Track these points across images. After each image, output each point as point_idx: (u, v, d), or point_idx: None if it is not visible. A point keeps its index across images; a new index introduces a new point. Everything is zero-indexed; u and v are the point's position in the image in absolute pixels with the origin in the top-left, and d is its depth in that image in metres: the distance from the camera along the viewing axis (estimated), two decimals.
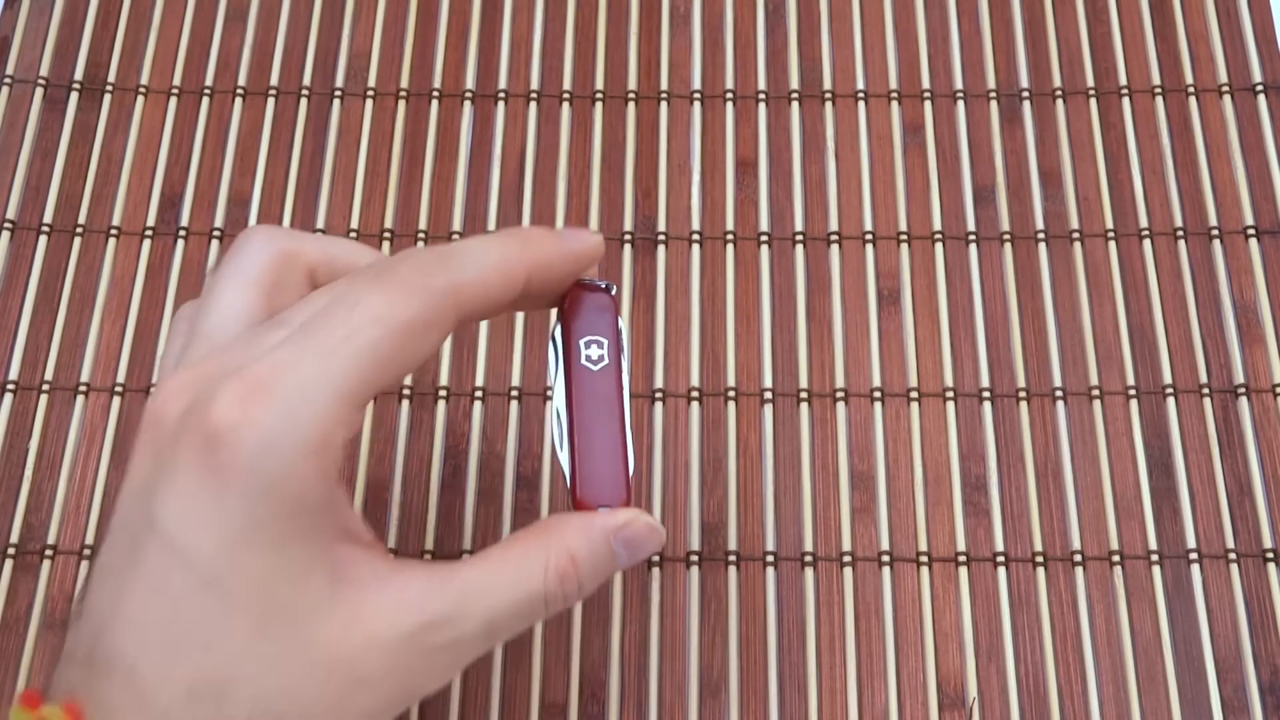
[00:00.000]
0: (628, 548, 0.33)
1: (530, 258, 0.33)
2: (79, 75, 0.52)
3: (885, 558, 0.44)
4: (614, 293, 0.36)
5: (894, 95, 0.52)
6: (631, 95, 0.52)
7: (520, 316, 0.48)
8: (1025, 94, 0.52)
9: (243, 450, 0.28)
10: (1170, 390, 0.47)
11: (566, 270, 0.34)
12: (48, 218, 0.49)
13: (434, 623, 0.30)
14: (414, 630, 0.30)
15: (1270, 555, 0.44)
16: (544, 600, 0.32)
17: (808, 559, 0.44)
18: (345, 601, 0.30)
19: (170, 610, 0.29)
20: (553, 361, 0.36)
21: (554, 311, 0.36)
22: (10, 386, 0.47)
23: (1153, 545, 0.44)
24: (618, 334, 0.36)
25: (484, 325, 0.48)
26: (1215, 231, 0.49)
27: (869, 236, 0.49)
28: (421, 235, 0.49)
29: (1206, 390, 0.47)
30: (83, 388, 0.47)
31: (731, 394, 0.47)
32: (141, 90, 0.52)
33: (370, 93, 0.52)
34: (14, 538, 0.44)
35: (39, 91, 0.52)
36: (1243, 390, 0.46)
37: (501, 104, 0.52)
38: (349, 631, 0.30)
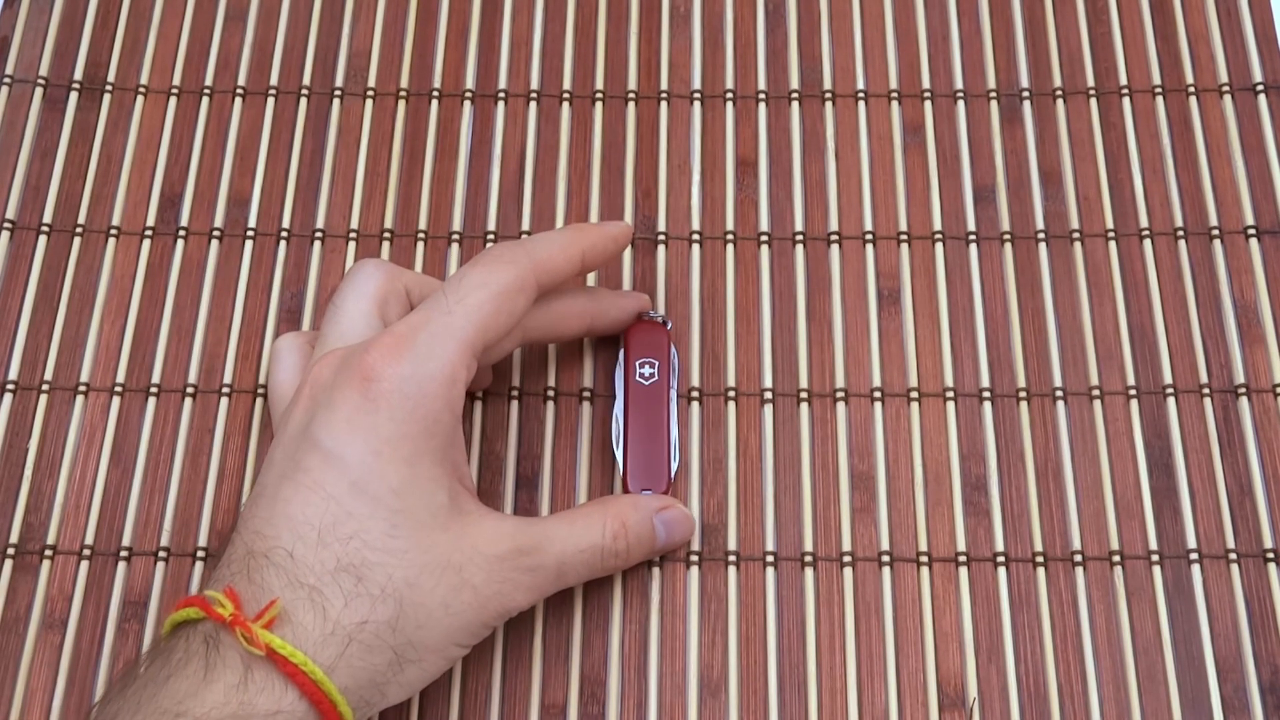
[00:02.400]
0: (666, 526, 0.43)
1: (584, 239, 0.42)
2: (79, 75, 0.52)
3: (885, 558, 0.44)
4: (668, 326, 0.46)
5: (894, 95, 0.52)
6: (631, 95, 0.52)
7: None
8: (1025, 94, 0.52)
9: (390, 381, 0.37)
10: (1170, 390, 0.47)
11: (609, 249, 0.43)
12: (47, 218, 0.49)
13: (523, 549, 0.39)
14: (507, 553, 0.38)
15: (1271, 555, 0.44)
16: (600, 552, 0.41)
17: (808, 559, 0.44)
18: (458, 520, 0.38)
19: (323, 506, 0.36)
20: (616, 378, 0.45)
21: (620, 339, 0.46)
22: (10, 386, 0.47)
23: (1153, 545, 0.44)
24: (669, 357, 0.46)
25: None
26: (1215, 231, 0.49)
27: (869, 236, 0.49)
28: (421, 235, 0.49)
29: (1207, 390, 0.47)
30: (82, 388, 0.47)
31: (731, 394, 0.47)
32: (141, 90, 0.52)
33: (370, 92, 0.52)
34: (14, 538, 0.44)
35: (39, 91, 0.52)
36: (1243, 390, 0.46)
37: (501, 104, 0.52)
38: (460, 544, 0.38)
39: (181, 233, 0.49)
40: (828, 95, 0.52)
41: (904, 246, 0.49)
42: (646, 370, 0.45)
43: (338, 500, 0.37)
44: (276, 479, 0.38)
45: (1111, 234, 0.49)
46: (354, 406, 0.37)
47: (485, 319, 0.39)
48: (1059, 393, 0.47)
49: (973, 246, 0.49)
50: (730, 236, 0.49)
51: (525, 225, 0.49)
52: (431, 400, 0.37)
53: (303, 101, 0.52)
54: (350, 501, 0.37)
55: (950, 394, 0.47)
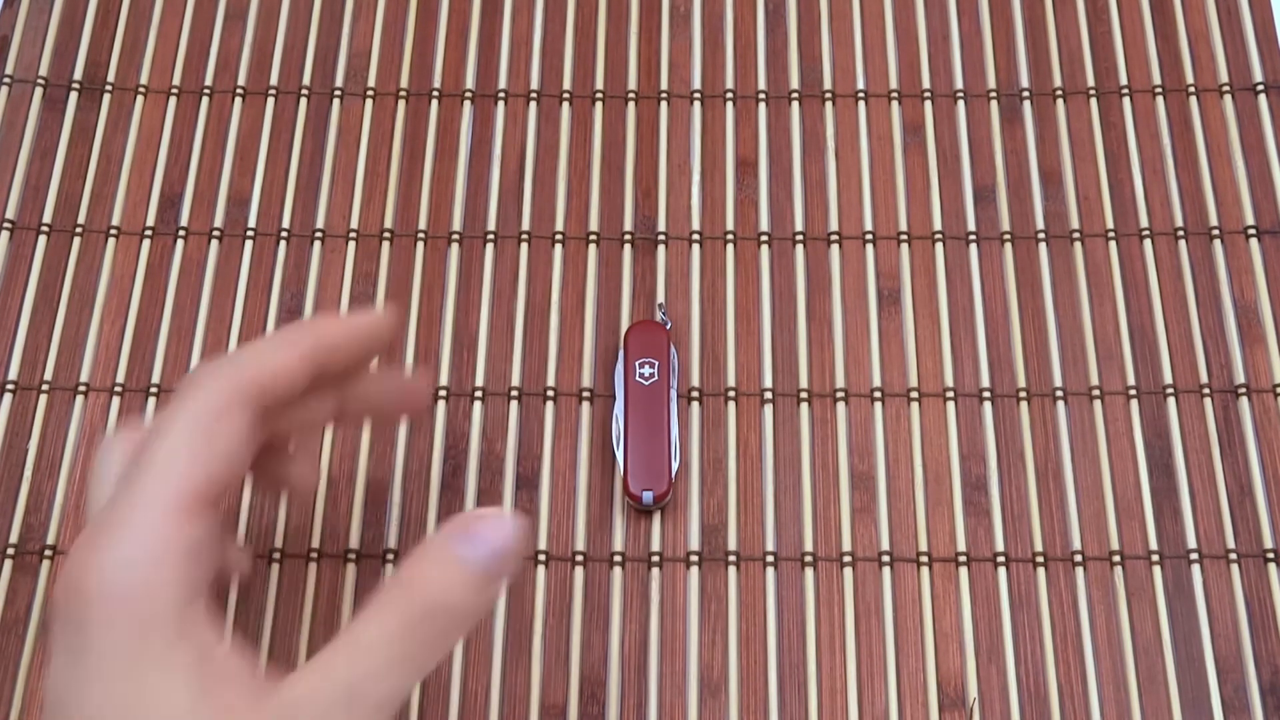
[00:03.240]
0: (470, 544, 0.33)
1: (313, 339, 0.35)
2: (78, 75, 0.52)
3: (885, 558, 0.44)
4: (668, 327, 0.46)
5: (894, 95, 0.52)
6: (631, 95, 0.52)
7: (520, 319, 0.48)
8: (1025, 94, 0.52)
9: (90, 588, 0.30)
10: (1171, 390, 0.47)
11: (356, 346, 0.37)
12: (47, 217, 0.49)
13: (293, 710, 0.31)
14: None
15: (1271, 555, 0.44)
16: (401, 640, 0.32)
17: (808, 559, 0.44)
18: (217, 710, 0.30)
19: None
20: (616, 377, 0.46)
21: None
22: (10, 386, 0.47)
23: (1153, 545, 0.44)
24: (669, 357, 0.46)
25: (483, 325, 0.48)
26: (1216, 231, 0.49)
27: (869, 236, 0.49)
28: (421, 235, 0.49)
29: (1207, 390, 0.47)
30: (82, 388, 0.47)
31: (731, 394, 0.47)
32: (141, 90, 0.52)
33: (370, 92, 0.52)
34: (14, 538, 0.44)
35: (38, 91, 0.52)
36: (1243, 390, 0.46)
37: (501, 104, 0.52)
38: None
39: (181, 233, 0.49)
40: (828, 95, 0.52)
41: (904, 246, 0.49)
42: (646, 370, 0.46)
43: None
44: None
45: (1111, 234, 0.49)
46: (69, 651, 0.30)
47: (184, 468, 0.32)
48: (1059, 393, 0.47)
49: (973, 246, 0.49)
50: (730, 236, 0.49)
51: (525, 225, 0.49)
52: (143, 588, 0.30)
53: (303, 101, 0.52)
54: None
55: (950, 394, 0.47)
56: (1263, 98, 0.52)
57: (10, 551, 0.44)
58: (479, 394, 0.47)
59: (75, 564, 0.30)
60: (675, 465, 0.45)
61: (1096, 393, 0.47)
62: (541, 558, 0.44)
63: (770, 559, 0.44)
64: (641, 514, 0.45)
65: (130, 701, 0.29)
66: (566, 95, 0.52)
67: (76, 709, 0.30)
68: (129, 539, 0.30)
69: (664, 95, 0.52)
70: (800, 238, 0.49)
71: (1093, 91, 0.52)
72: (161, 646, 0.30)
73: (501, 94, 0.52)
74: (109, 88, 0.52)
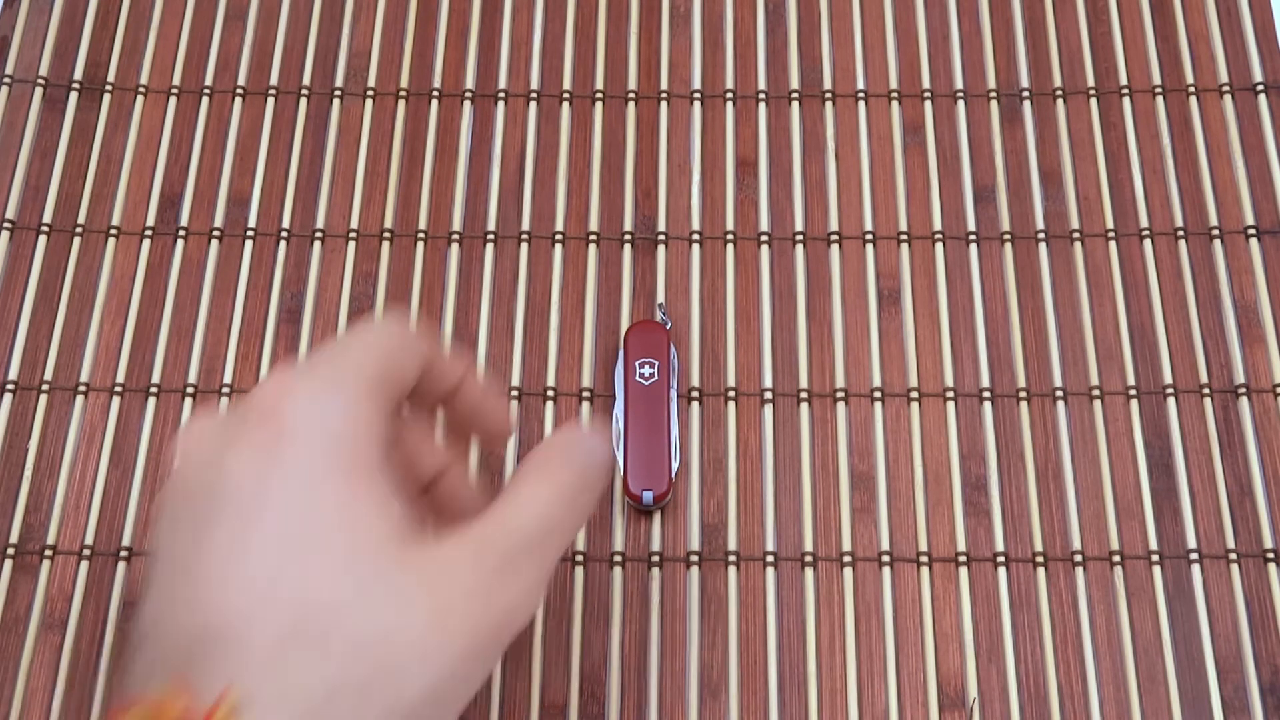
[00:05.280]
0: (594, 444, 0.35)
1: (428, 347, 0.36)
2: (78, 75, 0.52)
3: (885, 558, 0.44)
4: (668, 327, 0.46)
5: (894, 95, 0.52)
6: (631, 95, 0.52)
7: (520, 319, 0.48)
8: (1025, 94, 0.52)
9: (294, 412, 0.31)
10: (1170, 390, 0.47)
11: (440, 374, 0.37)
12: (47, 217, 0.49)
13: (484, 553, 0.32)
14: (476, 559, 0.32)
15: (1271, 555, 0.44)
16: (562, 506, 0.34)
17: (808, 559, 0.44)
18: (414, 549, 0.31)
19: (254, 562, 0.30)
20: (616, 378, 0.46)
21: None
22: (10, 386, 0.47)
23: (1153, 545, 0.44)
24: (669, 357, 0.46)
25: (483, 325, 0.48)
26: (1216, 231, 0.49)
27: (869, 236, 0.49)
28: (421, 235, 0.49)
29: (1207, 390, 0.47)
30: (82, 388, 0.47)
31: (731, 394, 0.47)
32: (141, 90, 0.52)
33: (370, 93, 0.52)
34: (14, 538, 0.44)
35: (38, 91, 0.52)
36: (1243, 390, 0.46)
37: (501, 104, 0.52)
38: (424, 572, 0.31)
39: (181, 233, 0.49)
40: (828, 95, 0.52)
41: (904, 246, 0.49)
42: (646, 370, 0.46)
43: (267, 561, 0.30)
44: (185, 545, 0.31)
45: (1111, 234, 0.49)
46: (259, 446, 0.31)
47: (384, 354, 0.34)
48: (1059, 393, 0.47)
49: (973, 246, 0.49)
50: (730, 236, 0.49)
51: (525, 225, 0.49)
52: (346, 421, 0.32)
53: (303, 101, 0.52)
54: (282, 557, 0.30)
55: (950, 394, 0.47)
56: (1263, 98, 0.52)
57: (10, 551, 0.44)
58: None
59: (272, 392, 0.32)
60: (675, 465, 0.45)
61: (1096, 393, 0.47)
62: None
63: (770, 559, 0.44)
64: (641, 514, 0.45)
65: (341, 511, 0.31)
66: (566, 95, 0.52)
67: (278, 506, 0.30)
68: (329, 387, 0.32)
69: (664, 95, 0.52)
70: (800, 238, 0.49)
71: (1093, 91, 0.52)
72: (370, 473, 0.32)
73: (501, 94, 0.52)
74: (109, 88, 0.52)
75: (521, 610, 0.33)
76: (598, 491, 0.35)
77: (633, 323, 0.47)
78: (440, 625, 0.31)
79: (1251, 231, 0.49)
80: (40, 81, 0.52)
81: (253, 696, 0.29)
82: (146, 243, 0.49)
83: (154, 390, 0.47)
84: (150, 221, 0.50)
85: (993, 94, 0.52)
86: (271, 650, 0.29)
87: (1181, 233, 0.49)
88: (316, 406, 0.32)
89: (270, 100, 0.52)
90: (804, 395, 0.47)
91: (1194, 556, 0.44)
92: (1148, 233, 0.49)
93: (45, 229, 0.49)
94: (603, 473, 0.35)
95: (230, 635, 0.29)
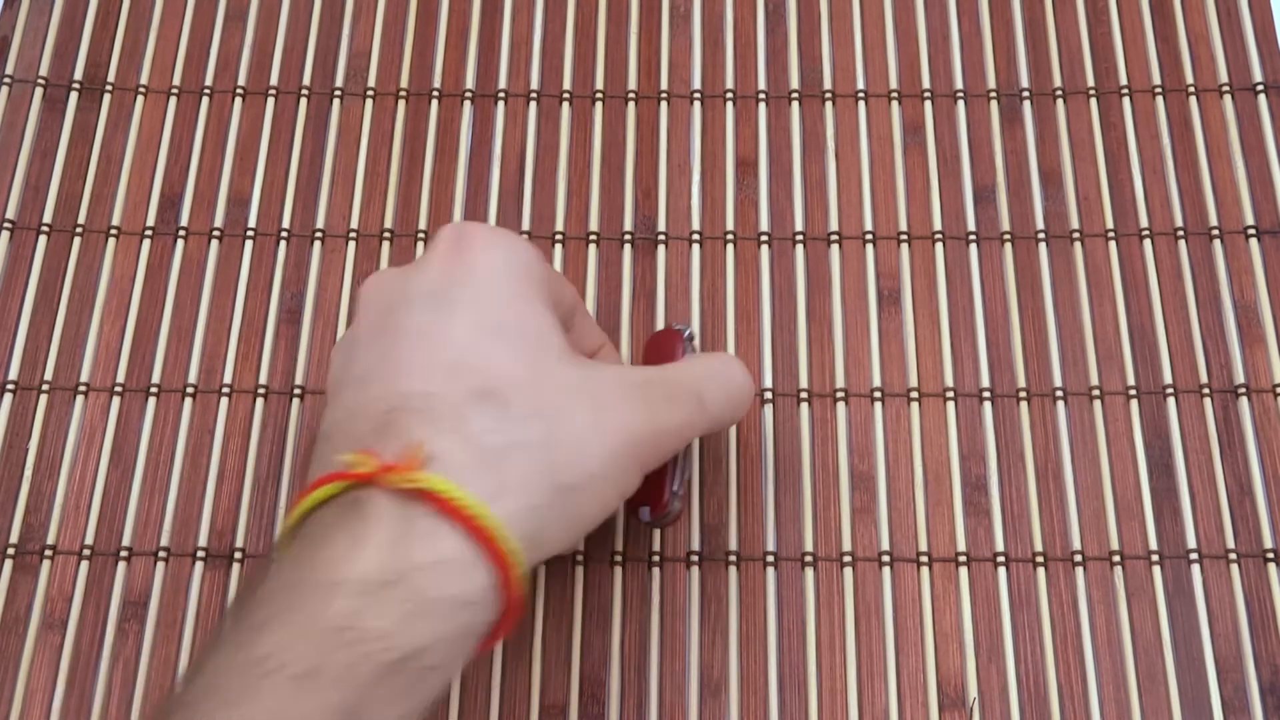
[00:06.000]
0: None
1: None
2: (79, 75, 0.52)
3: (885, 558, 0.44)
4: (686, 335, 0.44)
5: (894, 95, 0.52)
6: (631, 95, 0.52)
7: None
8: (1025, 94, 0.52)
9: (482, 237, 0.37)
10: (1170, 390, 0.47)
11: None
12: (47, 218, 0.49)
13: (653, 380, 0.38)
14: (641, 382, 0.37)
15: (1271, 555, 0.44)
16: (730, 379, 0.40)
17: (808, 559, 0.44)
18: (583, 364, 0.37)
19: (443, 346, 0.35)
20: None
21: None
22: (10, 386, 0.47)
23: (1153, 545, 0.44)
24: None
25: None
26: (1215, 231, 0.49)
27: (869, 236, 0.49)
28: (421, 235, 0.49)
29: (1207, 390, 0.47)
30: (82, 388, 0.47)
31: None
32: (141, 90, 0.52)
33: (370, 93, 0.52)
34: (14, 538, 0.44)
35: (38, 91, 0.52)
36: (1243, 390, 0.46)
37: (501, 104, 0.52)
38: (592, 377, 0.36)
39: (181, 233, 0.49)
40: (828, 95, 0.52)
41: (904, 246, 0.49)
42: None
43: (456, 341, 0.35)
44: (377, 346, 0.36)
45: (1111, 234, 0.49)
46: (450, 261, 0.37)
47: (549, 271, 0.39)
48: (1059, 393, 0.47)
49: (973, 246, 0.49)
50: (730, 236, 0.49)
51: (525, 225, 0.49)
52: (526, 254, 0.37)
53: (303, 101, 0.52)
54: (471, 339, 0.35)
55: (950, 394, 0.47)
56: (1263, 98, 0.52)
57: (10, 551, 0.44)
58: None
59: (460, 226, 0.38)
60: (677, 484, 0.41)
61: (1096, 393, 0.47)
62: None
63: (770, 559, 0.44)
64: None
65: (522, 316, 0.36)
66: (566, 95, 0.52)
67: (468, 304, 0.36)
68: (511, 235, 0.38)
69: (664, 95, 0.52)
70: (800, 238, 0.49)
71: (1093, 92, 0.52)
72: (545, 298, 0.37)
73: (501, 94, 0.52)
74: (109, 88, 0.52)
75: (668, 437, 0.37)
76: (740, 411, 0.41)
77: (651, 334, 0.46)
78: (596, 421, 0.35)
79: (1251, 231, 0.49)
80: (40, 81, 0.52)
81: (440, 448, 0.33)
82: (146, 243, 0.49)
83: (154, 390, 0.47)
84: (150, 221, 0.50)
85: (993, 94, 0.52)
86: (458, 409, 0.33)
87: (1181, 233, 0.49)
88: (502, 240, 0.37)
89: (270, 100, 0.52)
90: (804, 395, 0.47)
91: (1194, 556, 0.44)
92: (1148, 233, 0.49)
93: (45, 229, 0.49)
94: (748, 399, 0.40)
95: (417, 404, 0.33)
